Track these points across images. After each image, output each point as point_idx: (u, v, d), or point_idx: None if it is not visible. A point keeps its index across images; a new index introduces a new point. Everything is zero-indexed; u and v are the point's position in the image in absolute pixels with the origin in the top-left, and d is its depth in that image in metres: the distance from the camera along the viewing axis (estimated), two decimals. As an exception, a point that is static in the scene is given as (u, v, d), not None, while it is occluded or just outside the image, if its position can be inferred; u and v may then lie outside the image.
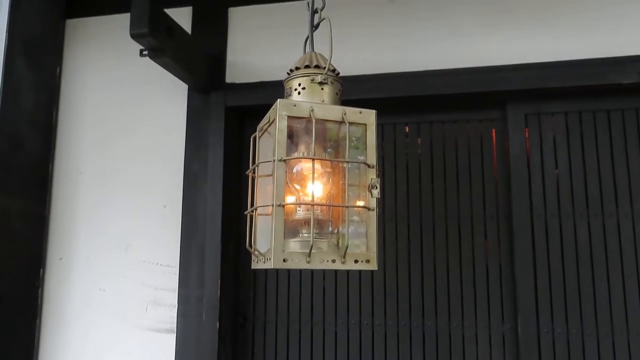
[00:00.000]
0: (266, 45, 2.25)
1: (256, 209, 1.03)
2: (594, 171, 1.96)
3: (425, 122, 2.17)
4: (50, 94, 1.16)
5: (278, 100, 1.01)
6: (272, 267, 0.94)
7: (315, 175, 1.02)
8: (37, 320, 1.09)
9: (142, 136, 2.27)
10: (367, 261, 0.99)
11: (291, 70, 1.11)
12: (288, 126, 1.02)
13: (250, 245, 1.07)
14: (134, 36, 1.75)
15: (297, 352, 2.11)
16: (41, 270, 1.11)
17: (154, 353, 2.12)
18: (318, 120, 1.02)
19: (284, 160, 0.97)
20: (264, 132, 1.08)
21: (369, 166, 1.02)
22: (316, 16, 1.17)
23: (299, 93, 1.07)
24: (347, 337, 2.08)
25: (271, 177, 1.10)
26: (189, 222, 2.17)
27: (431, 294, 2.04)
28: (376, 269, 1.00)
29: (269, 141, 1.10)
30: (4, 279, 0.98)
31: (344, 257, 0.98)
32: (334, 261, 0.97)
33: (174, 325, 2.12)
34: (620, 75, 1.87)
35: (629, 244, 1.90)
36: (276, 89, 2.15)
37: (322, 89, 1.07)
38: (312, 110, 1.01)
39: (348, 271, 2.12)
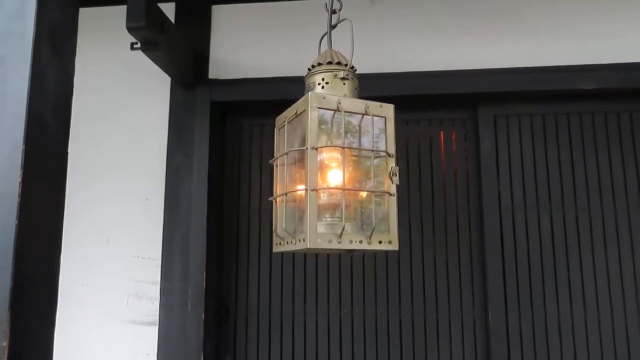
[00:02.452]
0: (249, 43, 2.31)
1: (286, 194, 1.10)
2: (556, 168, 2.16)
3: (401, 121, 2.28)
4: (68, 81, 1.17)
5: (310, 92, 1.08)
6: (307, 247, 1.01)
7: (336, 163, 1.10)
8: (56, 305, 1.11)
9: (124, 130, 2.26)
10: (390, 242, 1.09)
11: (313, 66, 1.18)
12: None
13: (277, 229, 1.14)
14: (130, 29, 1.76)
15: (279, 342, 2.17)
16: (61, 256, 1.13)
17: (136, 345, 2.11)
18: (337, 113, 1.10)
19: (316, 148, 1.05)
20: (287, 123, 1.15)
21: (389, 155, 1.11)
22: (334, 16, 1.25)
23: (322, 87, 1.14)
24: (327, 326, 2.17)
25: (293, 165, 1.17)
26: (172, 215, 2.18)
27: (407, 283, 2.17)
28: (397, 249, 1.09)
29: (291, 132, 1.17)
30: (30, 262, 1.00)
31: (370, 238, 1.06)
32: (361, 242, 1.06)
33: (156, 318, 2.13)
34: (580, 82, 2.08)
35: (586, 235, 2.11)
36: (259, 86, 2.23)
37: (344, 84, 1.15)
38: (339, 103, 1.09)
39: (328, 262, 2.21)
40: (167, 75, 2.27)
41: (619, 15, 2.12)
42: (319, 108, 1.07)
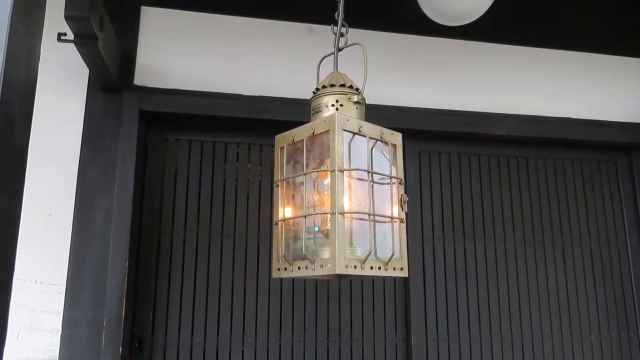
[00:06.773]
0: (178, 52, 2.17)
1: (305, 217, 1.04)
2: (468, 203, 2.36)
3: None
4: (34, 68, 1.00)
5: (336, 113, 1.05)
6: (334, 272, 0.96)
7: (347, 187, 1.08)
8: None
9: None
10: (401, 269, 1.09)
11: (323, 87, 1.15)
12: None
13: (282, 254, 1.07)
14: (69, 18, 1.54)
15: (199, 376, 2.01)
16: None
17: (29, 388, 1.79)
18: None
19: (342, 171, 1.01)
20: (301, 142, 1.10)
21: (400, 183, 1.12)
22: (342, 40, 1.24)
23: (336, 109, 1.12)
24: (254, 356, 2.06)
25: (296, 187, 1.12)
26: (82, 235, 1.92)
27: (335, 311, 2.17)
28: (407, 276, 1.09)
29: (297, 153, 1.13)
30: None
31: (387, 265, 1.05)
32: (379, 268, 1.04)
33: (56, 354, 1.84)
34: (493, 128, 2.32)
35: (492, 262, 2.33)
36: (193, 99, 2.10)
37: (357, 108, 1.15)
38: (360, 127, 1.08)
39: (257, 289, 2.12)
40: (81, 75, 2.04)
41: (527, 75, 2.44)
42: (344, 130, 1.04)
